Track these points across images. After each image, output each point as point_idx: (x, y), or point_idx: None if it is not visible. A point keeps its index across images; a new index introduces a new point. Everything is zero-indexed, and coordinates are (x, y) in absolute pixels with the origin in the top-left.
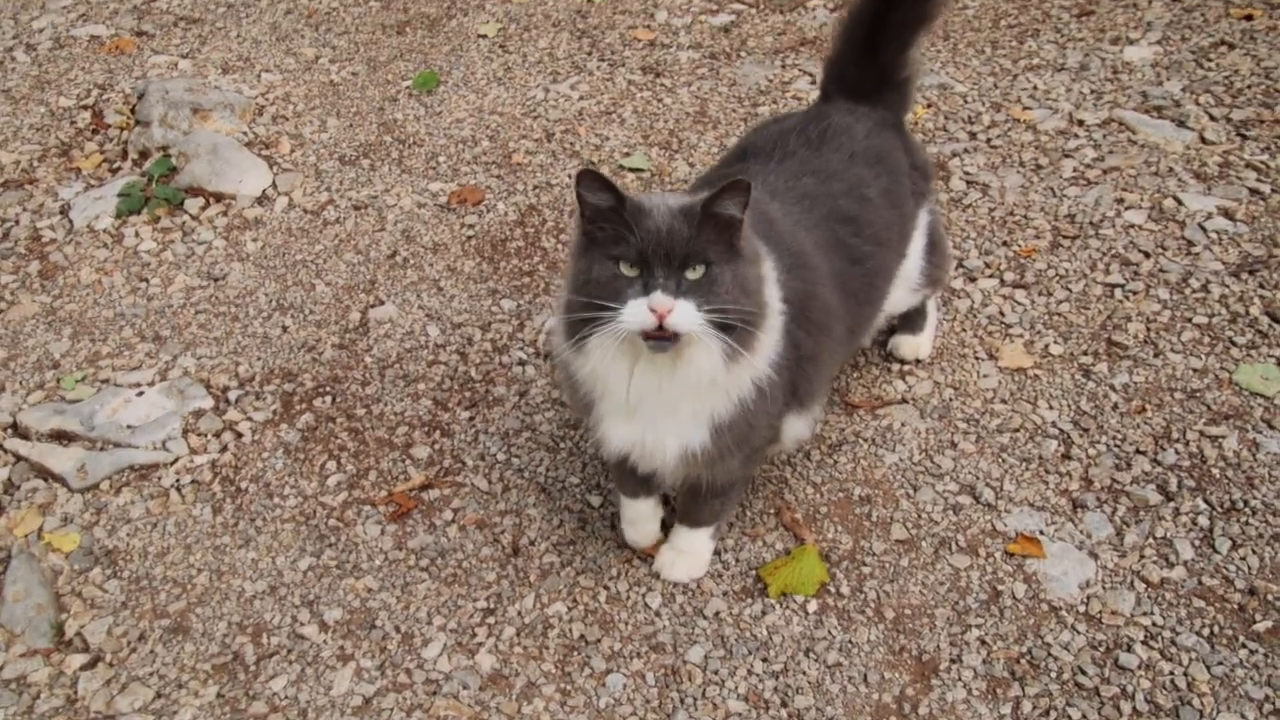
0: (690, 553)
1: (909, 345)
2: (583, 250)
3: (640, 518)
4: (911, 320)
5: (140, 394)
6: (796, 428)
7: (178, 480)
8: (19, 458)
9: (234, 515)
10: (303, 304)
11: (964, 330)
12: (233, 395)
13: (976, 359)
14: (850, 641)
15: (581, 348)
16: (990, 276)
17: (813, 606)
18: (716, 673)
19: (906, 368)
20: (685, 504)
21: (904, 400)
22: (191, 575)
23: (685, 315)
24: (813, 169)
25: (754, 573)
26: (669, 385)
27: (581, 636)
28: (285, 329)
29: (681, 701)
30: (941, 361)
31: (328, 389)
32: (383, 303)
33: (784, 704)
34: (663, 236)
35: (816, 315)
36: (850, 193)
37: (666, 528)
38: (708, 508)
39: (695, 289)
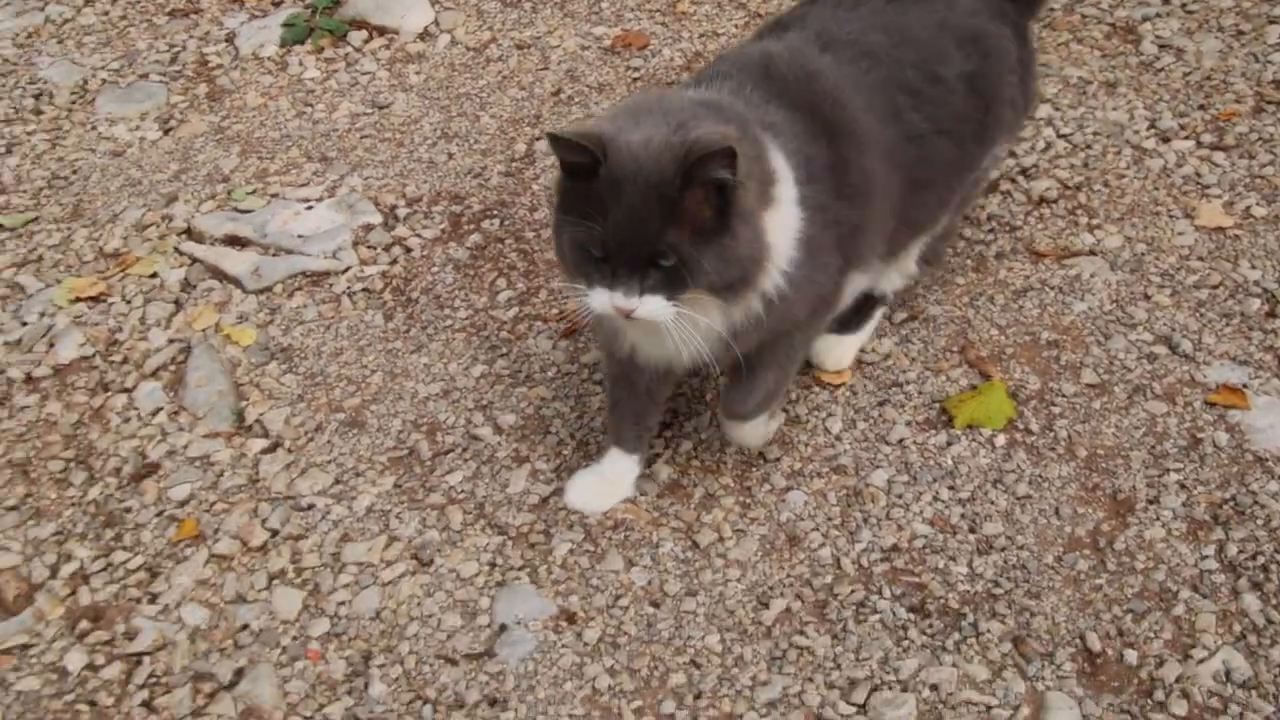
0: (750, 427)
1: (829, 355)
2: (559, 211)
3: (620, 477)
4: (841, 318)
5: (310, 208)
6: (857, 282)
7: (349, 288)
8: (194, 259)
9: (405, 323)
10: (467, 134)
11: (1156, 189)
12: (401, 213)
13: (1171, 217)
14: (1040, 476)
15: (577, 291)
16: (1186, 138)
17: (1000, 440)
18: (901, 496)
19: (1095, 221)
20: (731, 389)
21: (1092, 252)
22: (366, 375)
23: (652, 310)
24: (886, 24)
25: (938, 405)
26: (668, 326)
27: (760, 455)
28: (451, 156)
29: (865, 521)
30: (1132, 218)
31: (495, 212)
32: None
33: (972, 530)
34: (626, 228)
35: (856, 180)
36: (923, 65)
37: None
38: (762, 384)
39: (666, 281)
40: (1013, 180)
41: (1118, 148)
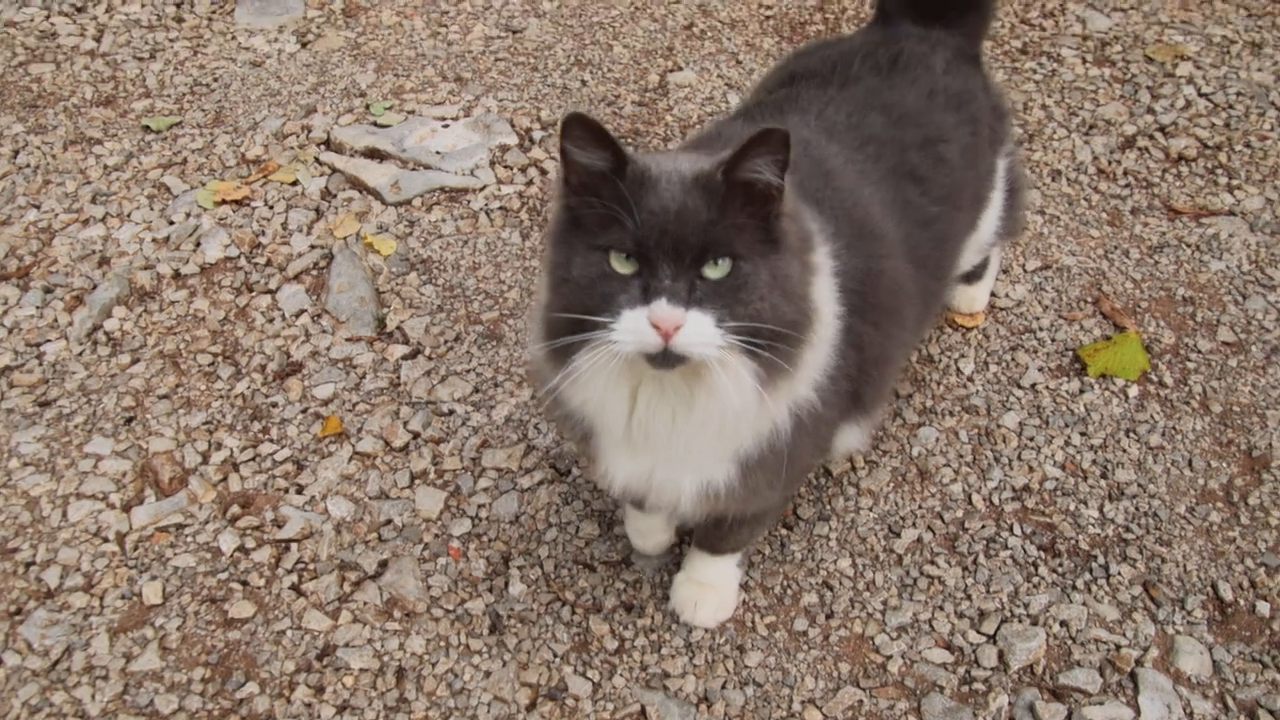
0: (715, 586)
1: (964, 297)
2: (563, 234)
3: (651, 530)
4: (970, 271)
5: (446, 126)
6: (852, 438)
7: (486, 205)
8: (334, 169)
9: (541, 242)
10: (600, 62)
11: None
12: (536, 135)
13: None
14: (1174, 428)
15: (570, 375)
16: None
17: (1133, 391)
18: (1032, 439)
19: (1235, 181)
20: (706, 531)
21: (1231, 212)
22: (503, 290)
23: (699, 332)
24: (883, 103)
25: (1071, 352)
26: (684, 418)
27: (893, 390)
28: (584, 83)
29: (996, 460)
30: (1274, 180)
31: (630, 140)
32: (681, 69)
33: (1103, 476)
34: (670, 218)
35: (884, 300)
36: (926, 146)
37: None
38: (734, 537)
39: (715, 294)
40: (1150, 137)
41: (1261, 109)
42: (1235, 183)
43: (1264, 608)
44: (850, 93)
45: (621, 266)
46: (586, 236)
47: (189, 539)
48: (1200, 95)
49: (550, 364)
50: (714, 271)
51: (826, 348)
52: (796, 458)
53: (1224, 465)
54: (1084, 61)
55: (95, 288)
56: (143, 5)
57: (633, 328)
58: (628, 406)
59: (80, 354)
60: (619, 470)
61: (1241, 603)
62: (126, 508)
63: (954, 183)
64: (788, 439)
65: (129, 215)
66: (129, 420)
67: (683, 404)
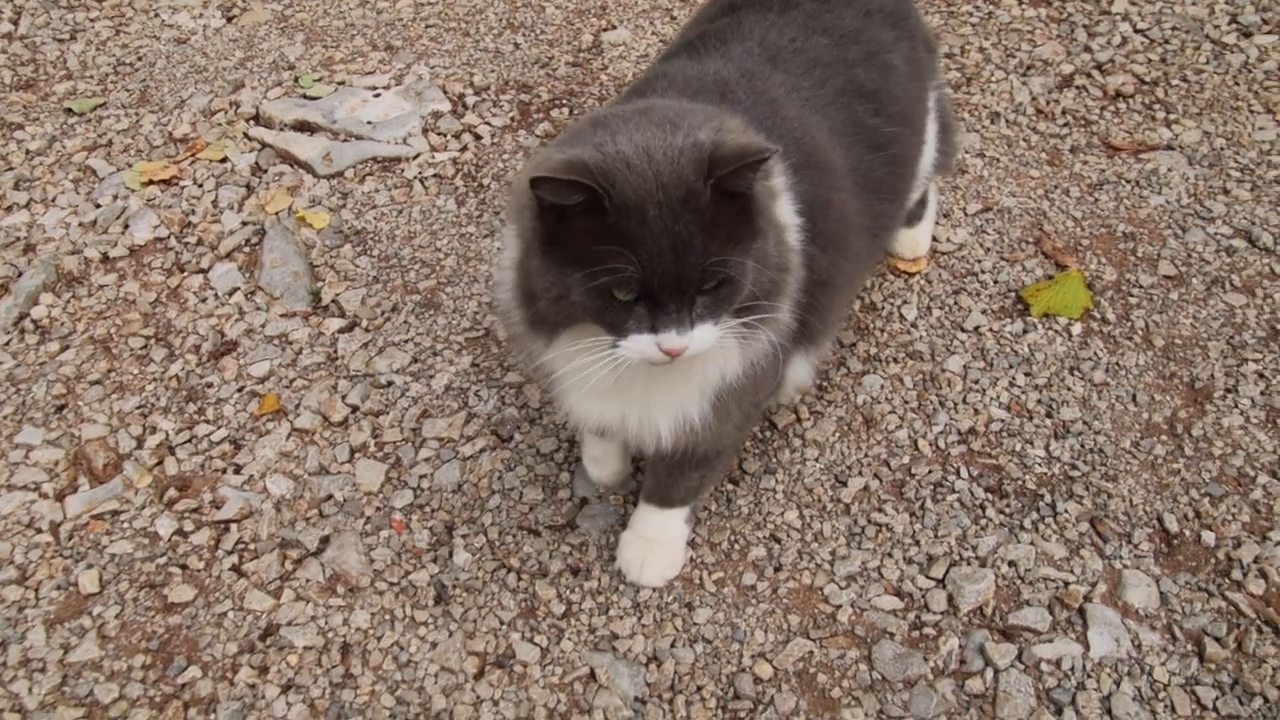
0: (662, 542)
1: (906, 240)
2: (547, 248)
3: (607, 456)
4: (909, 213)
5: (378, 95)
6: (800, 371)
7: (420, 173)
8: (264, 144)
9: (478, 208)
10: (533, 24)
11: (1236, 84)
12: (469, 101)
13: (1251, 112)
14: (1117, 364)
15: (549, 338)
16: (1268, 33)
17: (1076, 329)
18: (977, 382)
19: (1173, 116)
20: (658, 476)
21: (1169, 147)
22: (440, 258)
23: (703, 340)
24: (824, 26)
25: (1014, 294)
26: (663, 375)
27: (837, 339)
28: (517, 46)
29: (941, 404)
30: (1211, 113)
31: (564, 101)
32: (615, 27)
33: (1049, 415)
34: (669, 257)
35: (832, 227)
36: (870, 60)
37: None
38: (685, 481)
39: (713, 304)
40: (1088, 75)
41: (1197, 43)
42: (1172, 117)
43: (1209, 537)
44: (791, 16)
45: (624, 296)
46: (579, 265)
47: (125, 525)
48: (1136, 31)
49: (533, 333)
50: (710, 281)
51: (796, 279)
52: (763, 384)
53: (1167, 398)
54: (1020, 3)
55: (20, 275)
56: None
57: (640, 348)
58: (609, 369)
59: (7, 343)
60: (590, 413)
61: (1187, 533)
62: (60, 497)
63: (904, 94)
64: (763, 366)
65: (54, 200)
66: (60, 408)
67: (664, 367)
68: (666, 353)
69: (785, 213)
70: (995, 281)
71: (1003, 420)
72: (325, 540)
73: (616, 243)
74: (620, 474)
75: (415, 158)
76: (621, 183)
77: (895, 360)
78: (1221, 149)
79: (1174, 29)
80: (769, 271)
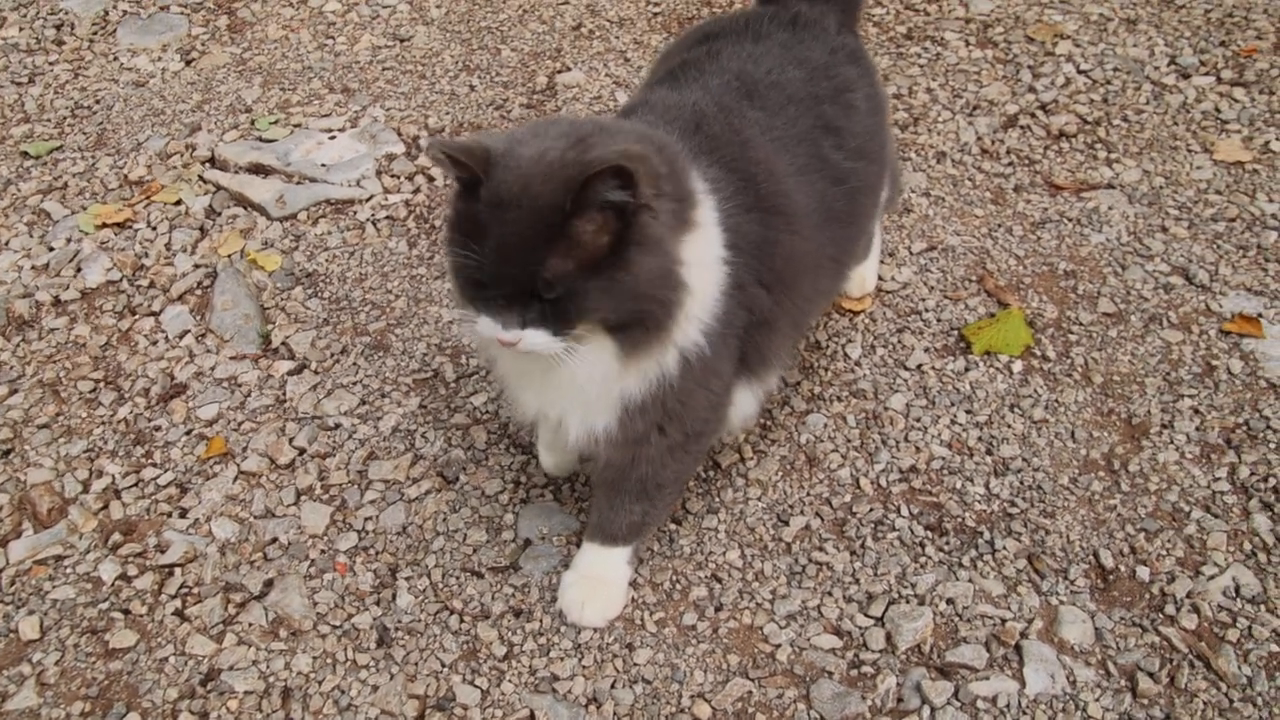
0: (604, 582)
1: (854, 278)
2: (449, 222)
3: (555, 445)
4: None
5: (333, 137)
6: (745, 403)
7: (373, 215)
8: (219, 187)
9: (429, 250)
10: (489, 66)
11: (1175, 124)
12: (424, 143)
13: (1189, 151)
14: (1057, 401)
15: (465, 316)
16: (1206, 74)
17: (1017, 367)
18: (919, 420)
19: (1114, 155)
20: (600, 505)
21: (1110, 186)
22: (390, 300)
23: (536, 343)
24: (796, 58)
25: (956, 332)
26: (548, 377)
27: (780, 377)
28: (473, 88)
29: (883, 443)
30: (1150, 152)
31: None
32: (569, 69)
33: (989, 452)
34: (505, 256)
35: (780, 267)
36: (838, 96)
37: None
38: (626, 514)
39: (551, 314)
40: (1032, 115)
41: (1137, 83)
42: (1114, 156)
43: (1144, 572)
44: (766, 46)
45: (479, 276)
46: (454, 246)
47: (68, 570)
48: (1079, 72)
49: (454, 306)
50: (549, 293)
51: (710, 299)
52: (689, 405)
53: (1105, 434)
54: (967, 44)
55: None
56: (20, 29)
57: (483, 329)
58: (511, 361)
59: None
60: (521, 401)
61: (1122, 569)
62: (3, 542)
63: (864, 131)
64: (674, 383)
65: (7, 244)
66: (6, 453)
67: (542, 369)
68: (500, 341)
69: (702, 247)
70: (939, 320)
71: (944, 458)
72: (269, 583)
73: (475, 230)
74: (566, 465)
75: (368, 200)
76: (498, 178)
77: (839, 399)
78: (1160, 187)
79: (1115, 70)
80: (628, 302)
